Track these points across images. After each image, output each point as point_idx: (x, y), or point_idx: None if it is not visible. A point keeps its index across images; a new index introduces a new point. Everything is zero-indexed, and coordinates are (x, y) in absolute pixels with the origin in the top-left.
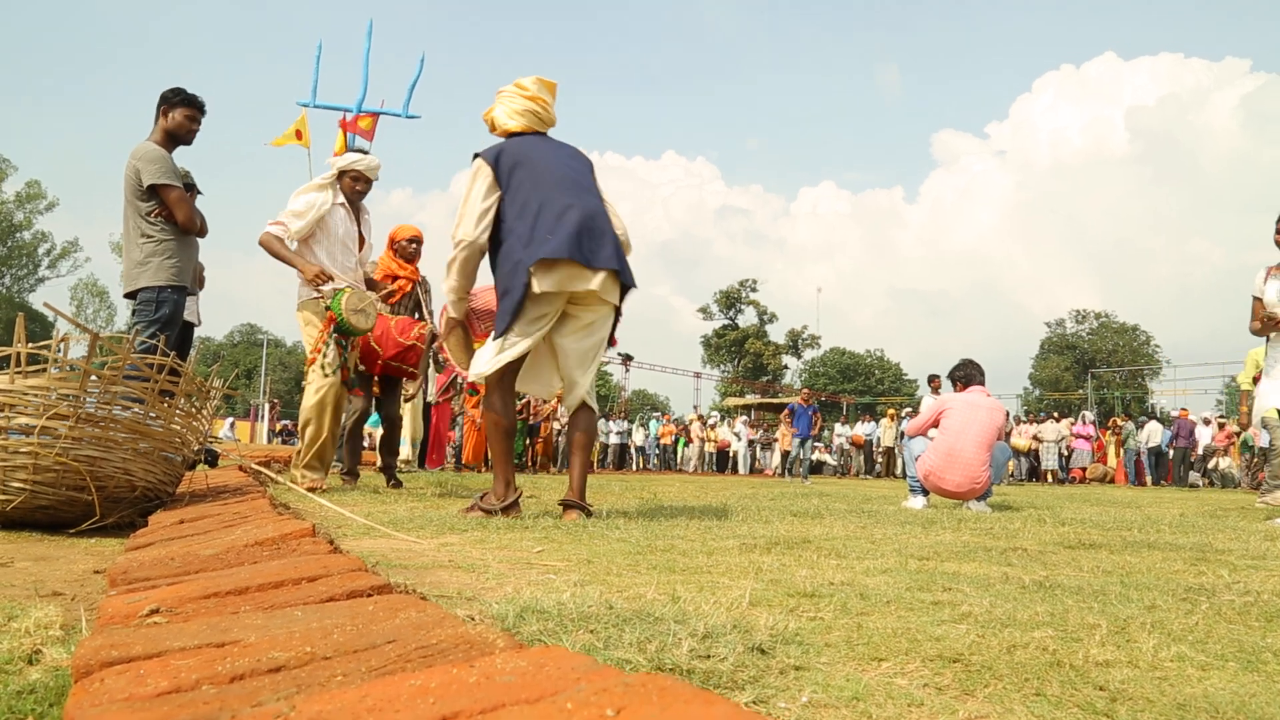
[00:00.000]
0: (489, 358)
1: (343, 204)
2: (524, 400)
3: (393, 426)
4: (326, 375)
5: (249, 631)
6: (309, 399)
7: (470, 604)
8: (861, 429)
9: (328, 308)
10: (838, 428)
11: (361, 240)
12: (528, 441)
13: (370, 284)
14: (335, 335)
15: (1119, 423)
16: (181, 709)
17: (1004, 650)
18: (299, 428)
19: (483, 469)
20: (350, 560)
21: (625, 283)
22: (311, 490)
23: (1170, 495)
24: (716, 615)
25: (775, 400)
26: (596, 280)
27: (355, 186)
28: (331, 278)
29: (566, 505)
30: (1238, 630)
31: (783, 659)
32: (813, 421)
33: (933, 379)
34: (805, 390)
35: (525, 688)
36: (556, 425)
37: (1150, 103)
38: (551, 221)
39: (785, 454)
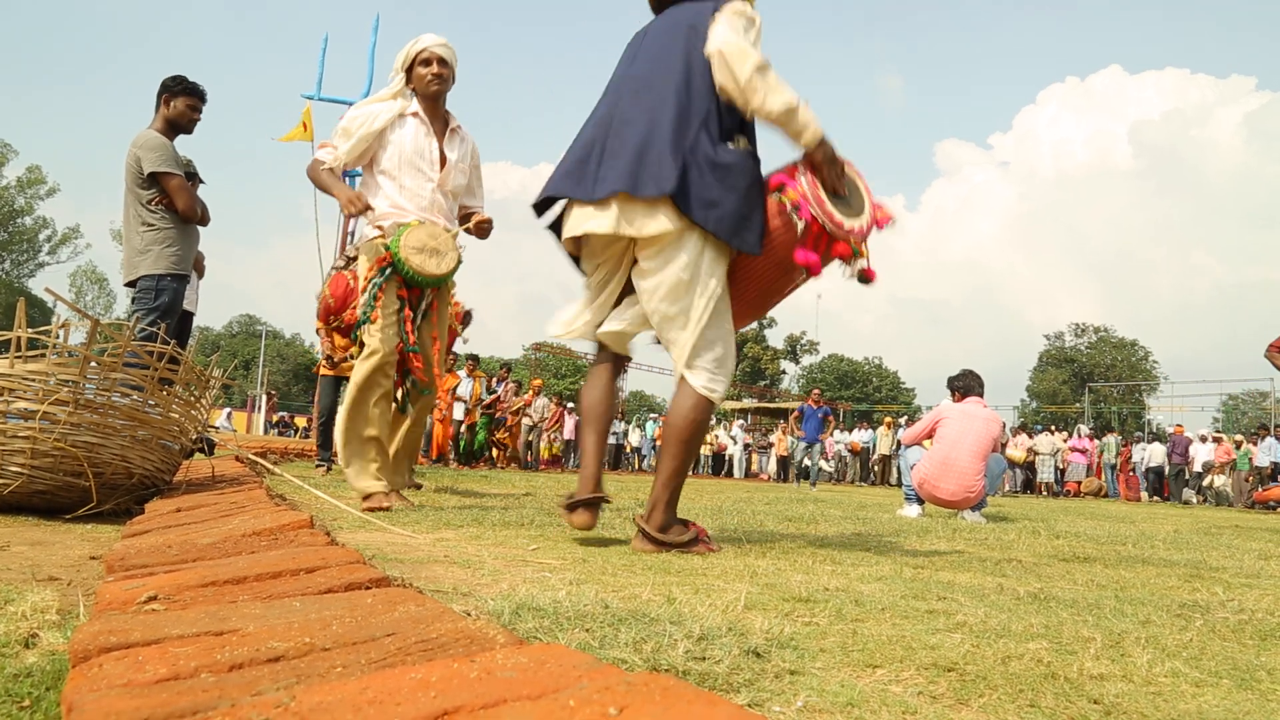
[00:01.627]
0: (558, 320)
1: (416, 113)
2: (494, 394)
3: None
4: (371, 341)
5: (248, 621)
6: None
7: (466, 600)
8: (858, 436)
9: (385, 248)
10: (835, 434)
11: (443, 160)
12: (490, 435)
13: (464, 219)
14: (384, 280)
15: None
16: (180, 696)
17: (999, 661)
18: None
19: (452, 462)
20: (348, 552)
21: (664, 193)
22: (371, 511)
23: (1164, 512)
24: (712, 617)
25: (772, 405)
26: (604, 218)
27: (429, 76)
28: (370, 207)
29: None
30: (1232, 648)
31: (778, 663)
32: (824, 425)
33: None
34: (816, 391)
35: (527, 684)
36: (528, 421)
37: (1155, 117)
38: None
39: (781, 459)
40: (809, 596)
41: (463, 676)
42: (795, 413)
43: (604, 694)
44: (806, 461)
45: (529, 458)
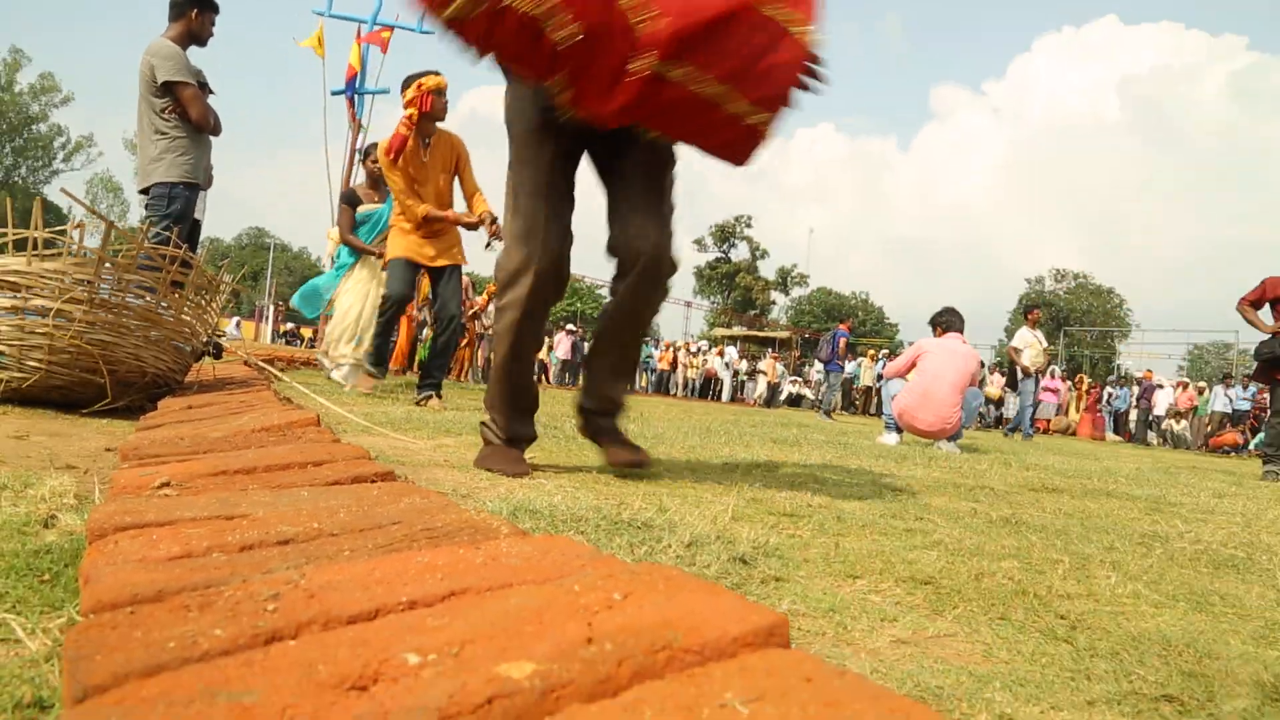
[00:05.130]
0: None
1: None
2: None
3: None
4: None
5: (257, 507)
6: None
7: (465, 501)
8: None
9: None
10: (818, 364)
11: None
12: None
13: None
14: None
15: (1084, 379)
16: (193, 572)
17: (972, 577)
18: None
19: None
20: (354, 448)
21: None
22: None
23: (1127, 451)
24: (701, 526)
25: (761, 334)
26: None
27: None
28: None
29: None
30: (1188, 574)
31: (764, 570)
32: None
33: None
34: (848, 324)
35: (531, 570)
36: (479, 328)
37: (1144, 71)
38: None
39: (772, 386)
40: (793, 511)
41: (469, 562)
42: (840, 341)
43: (608, 580)
44: (835, 395)
45: (484, 366)
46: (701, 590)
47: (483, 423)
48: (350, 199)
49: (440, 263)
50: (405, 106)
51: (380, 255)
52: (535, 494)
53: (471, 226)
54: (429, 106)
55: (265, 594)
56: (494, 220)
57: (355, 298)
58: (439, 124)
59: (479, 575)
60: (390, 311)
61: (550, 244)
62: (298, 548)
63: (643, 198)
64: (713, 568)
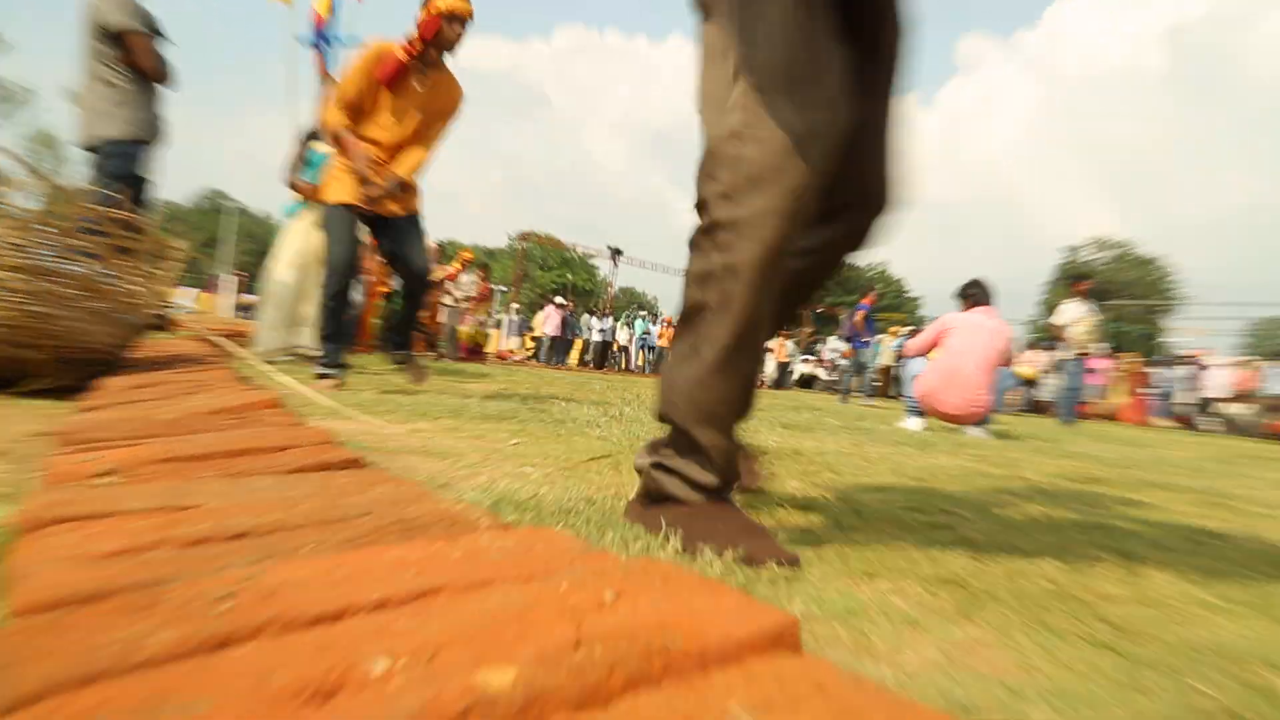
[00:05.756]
0: None
1: None
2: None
3: (420, 286)
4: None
5: (211, 497)
6: None
7: (443, 491)
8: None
9: None
10: (831, 341)
11: None
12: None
13: None
14: None
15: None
16: (137, 569)
17: (1005, 577)
18: None
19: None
20: (318, 432)
21: None
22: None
23: (1177, 437)
24: None
25: None
26: None
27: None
28: None
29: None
30: (1248, 576)
31: (773, 568)
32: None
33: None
34: (874, 294)
35: (514, 566)
36: (448, 300)
37: (1195, 18)
38: None
39: (781, 365)
40: (805, 503)
41: (445, 557)
42: (857, 314)
43: (599, 578)
44: (862, 376)
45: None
46: (703, 589)
47: (659, 465)
48: (311, 133)
49: (391, 211)
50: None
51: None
52: (519, 484)
53: (373, 184)
54: (433, 33)
55: (217, 593)
56: (405, 189)
57: (289, 264)
58: (447, 58)
59: (456, 572)
60: (336, 287)
61: (841, 102)
62: (255, 542)
63: None
64: (716, 565)
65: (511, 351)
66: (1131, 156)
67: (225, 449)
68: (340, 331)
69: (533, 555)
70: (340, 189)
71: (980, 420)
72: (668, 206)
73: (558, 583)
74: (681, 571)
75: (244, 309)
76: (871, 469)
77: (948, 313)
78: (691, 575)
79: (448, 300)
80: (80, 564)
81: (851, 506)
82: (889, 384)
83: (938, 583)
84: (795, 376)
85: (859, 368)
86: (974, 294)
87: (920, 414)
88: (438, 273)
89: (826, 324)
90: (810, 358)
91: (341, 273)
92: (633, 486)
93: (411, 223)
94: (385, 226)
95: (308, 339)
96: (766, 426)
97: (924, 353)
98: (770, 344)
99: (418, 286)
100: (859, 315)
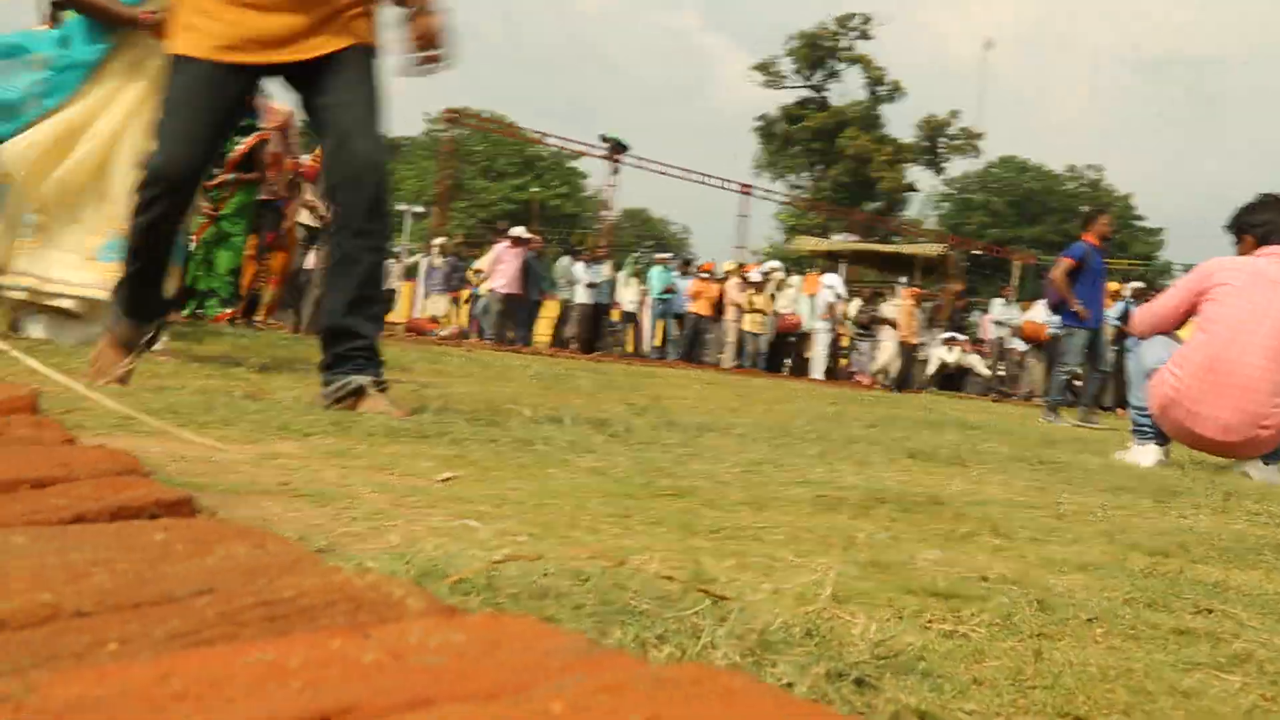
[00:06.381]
0: None
1: None
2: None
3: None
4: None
5: None
6: None
7: (330, 556)
8: (1040, 312)
9: None
10: (996, 307)
11: None
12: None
13: None
14: None
15: None
16: None
17: None
18: None
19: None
20: (111, 455)
21: None
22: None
23: None
24: (776, 609)
25: (889, 248)
26: None
27: None
28: None
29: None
30: None
31: (896, 696)
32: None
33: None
34: (1105, 219)
35: (467, 676)
36: (301, 229)
37: None
38: None
39: (908, 349)
40: (951, 589)
41: (349, 660)
42: (1068, 263)
43: (613, 695)
44: (1076, 368)
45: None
46: (785, 710)
47: None
48: None
49: (310, 50)
50: None
51: (153, 28)
52: (459, 546)
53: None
54: None
55: None
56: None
57: (51, 135)
58: None
59: (371, 686)
60: (156, 202)
61: None
62: (15, 638)
63: None
64: (799, 688)
65: (434, 321)
66: None
67: None
68: (151, 280)
69: (498, 658)
70: (198, 31)
71: (1272, 451)
72: (708, 68)
73: (543, 703)
74: (760, 687)
75: None
76: (1069, 532)
77: (1211, 258)
78: (776, 693)
79: (306, 219)
80: None
81: (1034, 595)
82: (1104, 384)
83: None
84: (932, 368)
85: (1076, 353)
86: (1266, 224)
87: (1159, 437)
88: (291, 168)
89: (991, 277)
90: (958, 337)
91: (168, 187)
92: (652, 549)
93: (358, 68)
94: (310, 77)
95: (59, 272)
96: (881, 457)
97: (1167, 329)
98: (889, 311)
99: (359, 200)
100: (1066, 264)
